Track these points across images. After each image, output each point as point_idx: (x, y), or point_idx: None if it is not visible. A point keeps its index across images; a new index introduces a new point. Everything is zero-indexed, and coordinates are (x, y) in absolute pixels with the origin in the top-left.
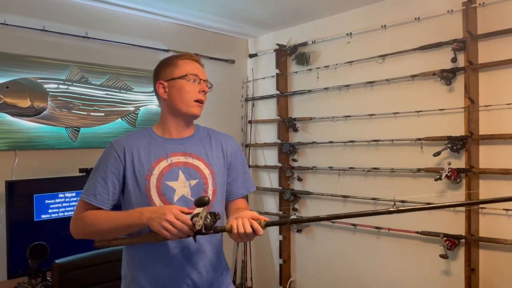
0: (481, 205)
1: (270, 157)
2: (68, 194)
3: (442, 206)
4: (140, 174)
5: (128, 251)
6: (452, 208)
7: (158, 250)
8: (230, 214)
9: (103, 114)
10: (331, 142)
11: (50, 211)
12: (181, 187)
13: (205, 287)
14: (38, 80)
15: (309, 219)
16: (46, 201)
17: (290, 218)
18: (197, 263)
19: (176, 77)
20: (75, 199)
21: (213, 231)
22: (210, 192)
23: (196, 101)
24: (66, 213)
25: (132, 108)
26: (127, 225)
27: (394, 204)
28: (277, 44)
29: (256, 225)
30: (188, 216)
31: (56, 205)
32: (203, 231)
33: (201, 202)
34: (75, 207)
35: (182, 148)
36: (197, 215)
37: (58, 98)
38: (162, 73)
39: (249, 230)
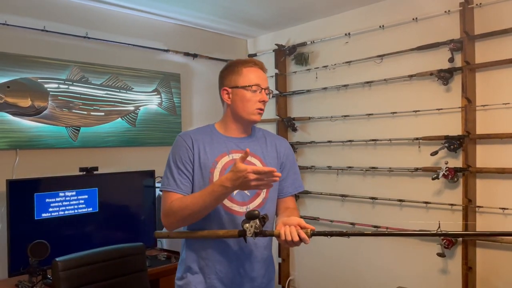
0: (478, 204)
1: None
2: (68, 193)
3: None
4: (205, 166)
5: (189, 243)
6: (449, 207)
7: (217, 241)
8: (279, 212)
9: (103, 113)
10: (329, 141)
11: (50, 209)
12: None
13: (256, 277)
14: (39, 80)
15: (354, 233)
16: (47, 200)
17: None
18: (251, 254)
19: (240, 86)
20: (75, 198)
21: (262, 234)
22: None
23: (257, 109)
24: (66, 212)
25: (132, 108)
26: (215, 198)
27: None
28: (276, 44)
29: (303, 234)
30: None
31: (56, 204)
32: (254, 237)
33: (251, 216)
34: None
35: (242, 146)
36: (248, 221)
37: (59, 97)
38: (227, 79)
39: (296, 239)
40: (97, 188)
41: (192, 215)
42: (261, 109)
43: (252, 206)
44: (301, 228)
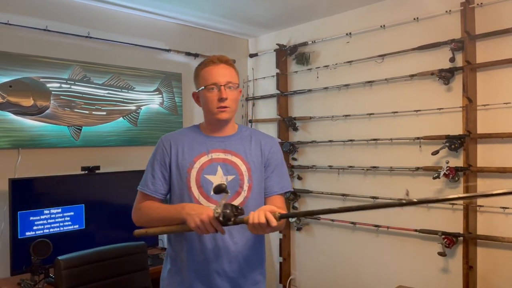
0: (479, 203)
1: None
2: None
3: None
4: (182, 166)
5: (171, 242)
6: (450, 206)
7: (195, 240)
8: None
9: (105, 113)
10: (330, 141)
11: (52, 209)
12: (219, 181)
13: (236, 277)
14: (41, 79)
15: (323, 211)
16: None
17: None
18: (230, 254)
19: (199, 90)
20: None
21: (233, 222)
22: (245, 187)
23: (218, 108)
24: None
25: (134, 107)
26: (170, 217)
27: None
28: (277, 44)
29: (269, 215)
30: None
31: (46, 222)
32: (221, 219)
33: (219, 189)
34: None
35: (223, 145)
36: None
37: (61, 97)
38: (195, 84)
39: (262, 220)
40: (101, 189)
41: (153, 222)
42: (222, 107)
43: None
44: (271, 212)
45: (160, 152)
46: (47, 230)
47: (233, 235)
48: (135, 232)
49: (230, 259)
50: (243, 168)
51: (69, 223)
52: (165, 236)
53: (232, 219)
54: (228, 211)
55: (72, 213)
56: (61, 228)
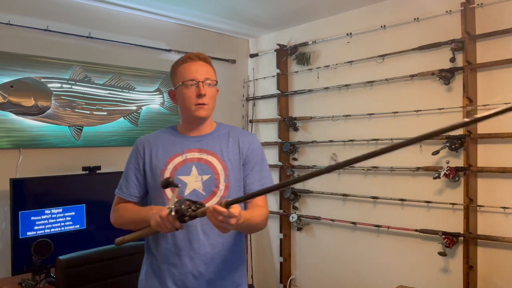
0: (479, 204)
1: (270, 156)
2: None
3: None
4: (156, 168)
5: (148, 245)
6: (450, 206)
7: (170, 243)
8: (247, 210)
9: (105, 113)
10: (331, 141)
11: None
12: (193, 181)
13: (215, 279)
14: (42, 80)
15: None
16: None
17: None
18: (206, 256)
19: (176, 86)
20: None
21: (189, 217)
22: (222, 187)
23: (197, 104)
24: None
25: (135, 108)
26: (141, 219)
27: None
28: (277, 44)
29: (215, 205)
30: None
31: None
32: (173, 214)
33: (165, 183)
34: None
35: (198, 145)
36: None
37: (62, 97)
38: (171, 82)
39: (215, 210)
40: (102, 188)
41: (127, 225)
42: (201, 104)
43: (208, 205)
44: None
45: (134, 155)
46: (48, 230)
47: (209, 236)
48: (116, 241)
49: (206, 261)
50: (219, 167)
51: (70, 223)
52: None
53: (188, 214)
54: (182, 206)
55: (73, 213)
56: (62, 228)
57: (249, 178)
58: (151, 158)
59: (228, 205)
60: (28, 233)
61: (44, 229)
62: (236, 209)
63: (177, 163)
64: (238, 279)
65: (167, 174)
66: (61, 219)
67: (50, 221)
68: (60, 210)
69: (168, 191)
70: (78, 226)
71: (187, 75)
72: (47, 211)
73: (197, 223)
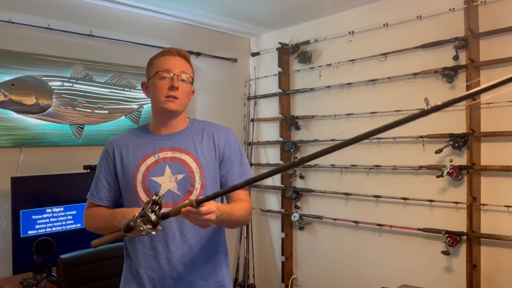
0: (482, 202)
1: (272, 155)
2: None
3: None
4: (128, 171)
5: (126, 249)
6: (453, 205)
7: (147, 247)
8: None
9: (107, 111)
10: (333, 140)
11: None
12: (167, 182)
13: (196, 280)
14: (43, 78)
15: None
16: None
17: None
18: (184, 257)
19: (150, 77)
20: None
21: (156, 218)
22: (197, 185)
23: (167, 97)
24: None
25: (136, 106)
26: (108, 224)
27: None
28: (279, 43)
29: (188, 208)
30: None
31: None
32: (139, 221)
33: (127, 228)
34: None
35: (171, 143)
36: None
37: (63, 95)
38: (146, 74)
39: (182, 210)
40: None
41: (96, 229)
42: (171, 96)
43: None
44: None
45: (104, 158)
46: (49, 229)
47: (187, 236)
48: (92, 243)
49: (185, 263)
50: (193, 165)
51: (72, 222)
52: None
53: (154, 217)
54: (148, 211)
55: (74, 212)
56: (63, 227)
57: (229, 175)
58: (122, 160)
59: (198, 203)
60: (29, 232)
61: (45, 228)
62: (211, 205)
63: (150, 164)
64: (221, 279)
65: (139, 176)
66: (62, 218)
67: (51, 219)
68: (61, 209)
69: (141, 193)
70: (79, 225)
71: (163, 66)
72: (48, 210)
73: (173, 224)
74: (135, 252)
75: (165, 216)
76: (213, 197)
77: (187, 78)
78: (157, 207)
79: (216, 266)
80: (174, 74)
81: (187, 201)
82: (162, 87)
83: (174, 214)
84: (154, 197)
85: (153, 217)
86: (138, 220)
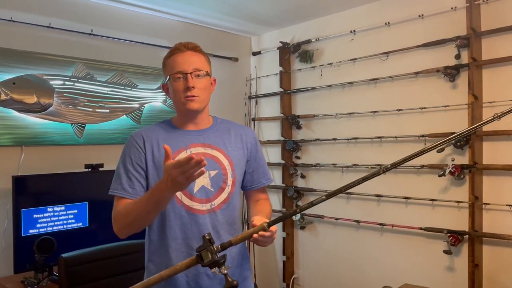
0: (484, 201)
1: (273, 154)
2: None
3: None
4: (160, 165)
5: (151, 249)
6: (456, 204)
7: (181, 243)
8: (251, 204)
9: (108, 110)
10: (334, 139)
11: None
12: (201, 177)
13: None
14: (44, 77)
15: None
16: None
17: (292, 211)
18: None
19: (166, 81)
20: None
21: (217, 257)
22: (229, 182)
23: (185, 97)
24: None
25: (137, 105)
26: (155, 203)
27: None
28: (280, 42)
29: (262, 233)
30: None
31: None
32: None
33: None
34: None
35: (201, 139)
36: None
37: (64, 94)
38: (163, 75)
39: (255, 236)
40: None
41: (137, 221)
42: (190, 96)
43: (217, 202)
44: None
45: (133, 149)
46: (51, 228)
47: (219, 233)
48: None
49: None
50: (225, 162)
51: (73, 221)
52: None
53: (216, 257)
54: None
55: (75, 211)
56: (65, 226)
57: (256, 173)
58: (153, 153)
59: (269, 226)
60: (31, 231)
61: (46, 227)
62: (273, 227)
63: None
64: (244, 272)
65: None
66: (63, 217)
67: (52, 218)
68: (63, 208)
69: None
70: (80, 224)
71: (175, 68)
72: (49, 209)
73: (207, 221)
74: (166, 249)
75: (227, 245)
76: (281, 220)
77: (201, 73)
78: (212, 246)
79: (242, 262)
80: (187, 73)
81: (257, 225)
82: (178, 89)
83: (238, 242)
84: (207, 236)
85: (216, 257)
86: (213, 271)
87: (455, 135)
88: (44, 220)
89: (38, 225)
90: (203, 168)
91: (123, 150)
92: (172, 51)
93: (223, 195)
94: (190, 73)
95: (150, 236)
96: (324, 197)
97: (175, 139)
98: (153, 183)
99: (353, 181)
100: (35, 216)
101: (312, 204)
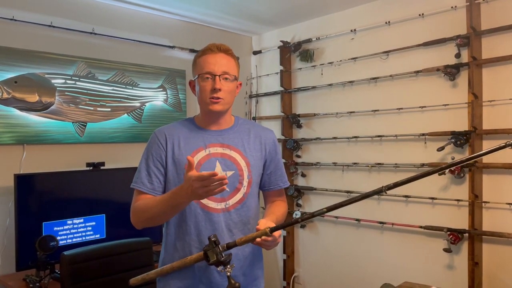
0: (484, 200)
1: None
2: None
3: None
4: (179, 162)
5: (167, 246)
6: (455, 203)
7: (194, 240)
8: (267, 206)
9: (109, 109)
10: (335, 138)
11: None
12: None
13: (237, 275)
14: (46, 75)
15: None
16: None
17: (295, 218)
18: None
19: (195, 78)
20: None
21: (222, 257)
22: (245, 183)
23: (210, 98)
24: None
25: (138, 104)
26: (172, 207)
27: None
28: (281, 41)
29: (265, 237)
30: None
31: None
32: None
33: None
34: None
35: (220, 139)
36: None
37: (66, 93)
38: (192, 72)
39: (258, 240)
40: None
41: (154, 219)
42: (215, 98)
43: (231, 202)
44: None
45: (155, 147)
46: (70, 240)
47: (233, 232)
48: (131, 281)
49: (232, 258)
50: (242, 163)
51: (91, 233)
52: None
53: (222, 258)
54: (216, 255)
55: (93, 223)
56: (83, 238)
57: (274, 175)
58: (173, 151)
59: (272, 231)
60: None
61: (66, 239)
62: (277, 232)
63: (201, 158)
64: (255, 272)
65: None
66: (82, 229)
67: (72, 231)
68: (81, 220)
69: None
70: (98, 235)
71: (205, 68)
72: (69, 222)
73: (221, 219)
74: (181, 243)
75: (232, 245)
76: (283, 227)
77: (229, 77)
78: (217, 247)
79: (254, 262)
80: (216, 75)
81: (260, 230)
82: (205, 89)
83: (241, 243)
84: (212, 238)
85: (220, 258)
86: (218, 269)
87: (465, 161)
88: (64, 232)
89: (58, 237)
90: (224, 186)
91: (146, 146)
92: (204, 51)
93: (238, 195)
94: (219, 76)
95: (168, 230)
96: (325, 209)
97: (196, 138)
98: (172, 178)
99: (354, 197)
100: (55, 229)
101: (313, 215)
